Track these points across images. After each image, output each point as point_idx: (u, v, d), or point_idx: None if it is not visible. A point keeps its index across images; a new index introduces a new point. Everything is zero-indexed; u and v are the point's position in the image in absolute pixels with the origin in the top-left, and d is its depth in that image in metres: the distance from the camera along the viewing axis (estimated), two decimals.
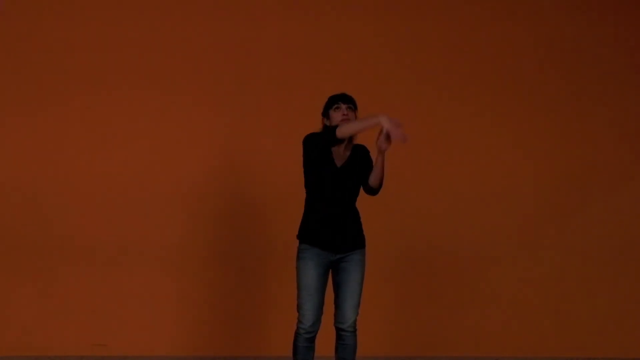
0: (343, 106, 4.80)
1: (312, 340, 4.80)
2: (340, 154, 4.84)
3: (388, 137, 4.59)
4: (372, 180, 4.81)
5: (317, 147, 4.73)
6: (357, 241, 4.85)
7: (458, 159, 6.82)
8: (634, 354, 6.75)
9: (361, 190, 4.93)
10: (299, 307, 4.78)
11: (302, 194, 4.95)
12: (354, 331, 4.83)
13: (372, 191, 4.89)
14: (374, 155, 4.82)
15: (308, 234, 4.80)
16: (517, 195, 6.83)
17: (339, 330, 4.83)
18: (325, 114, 4.87)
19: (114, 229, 6.54)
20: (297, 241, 4.89)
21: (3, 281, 6.46)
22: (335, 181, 4.78)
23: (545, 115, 6.91)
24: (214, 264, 6.64)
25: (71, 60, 6.60)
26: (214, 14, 6.73)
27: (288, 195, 6.38)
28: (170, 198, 6.60)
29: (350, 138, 4.83)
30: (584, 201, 6.87)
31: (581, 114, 6.94)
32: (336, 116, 4.79)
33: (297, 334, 4.79)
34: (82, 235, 6.52)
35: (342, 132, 4.63)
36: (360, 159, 4.87)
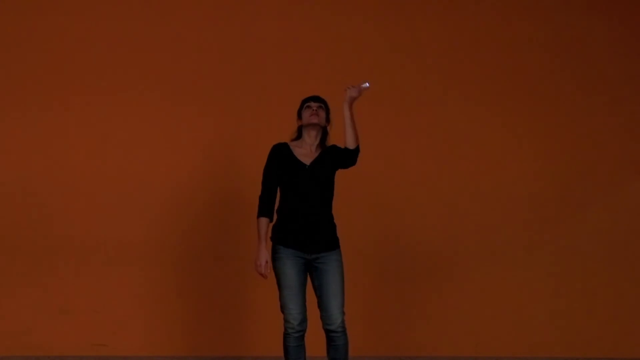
0: (313, 105, 4.94)
1: (301, 338, 4.82)
2: (308, 153, 4.90)
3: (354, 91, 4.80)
4: (346, 138, 4.80)
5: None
6: (330, 242, 4.85)
7: (458, 159, 6.82)
8: (634, 354, 6.74)
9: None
10: (283, 308, 4.81)
11: None
12: (344, 331, 4.81)
13: (351, 154, 4.83)
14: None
15: (281, 236, 4.85)
16: (518, 195, 6.82)
17: (328, 332, 4.82)
18: (299, 114, 5.02)
19: (113, 229, 6.56)
20: None
21: (3, 281, 6.48)
22: (304, 179, 4.81)
23: (545, 115, 6.89)
24: (215, 263, 6.64)
25: (71, 60, 6.62)
26: (212, 14, 6.75)
27: None
28: (170, 198, 6.61)
29: (322, 140, 4.96)
30: (585, 201, 6.86)
31: (582, 114, 6.92)
32: (306, 114, 4.93)
33: (286, 335, 4.81)
34: (82, 235, 6.54)
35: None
36: (330, 154, 4.89)
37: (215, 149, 6.68)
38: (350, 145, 4.80)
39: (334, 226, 4.89)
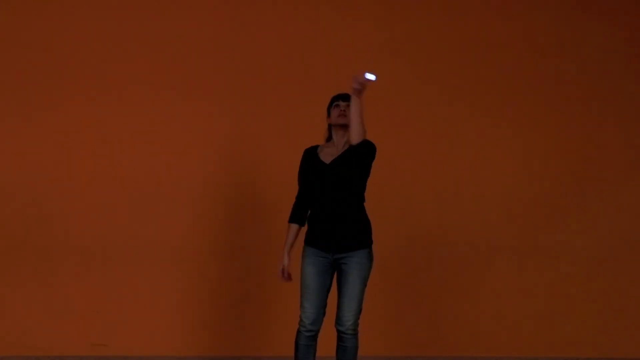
0: (342, 104, 4.93)
1: (313, 339, 4.85)
2: (334, 152, 4.89)
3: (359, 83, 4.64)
4: (351, 132, 4.71)
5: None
6: (355, 242, 4.82)
7: (458, 158, 6.82)
8: (634, 354, 6.75)
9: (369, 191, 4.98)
10: (300, 305, 4.86)
11: None
12: (354, 334, 4.85)
13: (359, 149, 4.74)
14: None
15: (308, 236, 4.92)
16: (518, 195, 6.83)
17: (339, 332, 4.87)
18: (328, 111, 5.02)
19: (114, 229, 6.55)
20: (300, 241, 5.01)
21: (3, 281, 6.47)
22: (325, 177, 4.82)
23: (545, 114, 6.90)
24: (215, 263, 6.64)
25: (72, 60, 6.61)
26: (217, 14, 6.74)
27: (290, 194, 6.37)
28: (171, 198, 6.61)
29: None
30: (585, 201, 6.86)
31: (581, 114, 6.93)
32: (334, 114, 4.93)
33: (298, 332, 4.87)
34: (82, 235, 6.53)
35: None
36: (354, 152, 4.82)
37: (217, 147, 6.68)
38: (353, 140, 4.72)
39: (361, 225, 4.86)
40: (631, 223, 6.87)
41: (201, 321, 6.61)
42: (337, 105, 4.93)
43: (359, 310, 4.86)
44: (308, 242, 4.89)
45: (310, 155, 4.96)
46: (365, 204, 4.99)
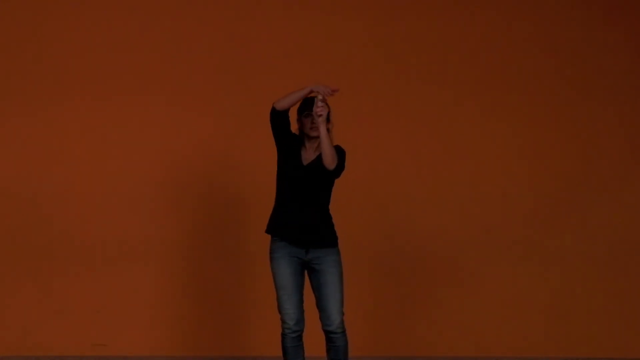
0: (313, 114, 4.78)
1: (299, 339, 4.81)
2: (310, 153, 4.86)
3: (322, 101, 4.63)
4: (323, 159, 4.70)
5: (273, 127, 4.87)
6: (327, 239, 4.81)
7: (456, 158, 6.80)
8: (634, 354, 6.73)
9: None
10: (279, 308, 4.81)
11: None
12: (343, 331, 4.80)
13: (331, 173, 4.76)
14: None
15: (277, 227, 4.83)
16: (517, 194, 6.81)
17: (328, 333, 4.80)
18: (299, 118, 4.92)
19: (114, 229, 6.56)
20: None
21: (3, 281, 6.49)
22: (300, 179, 4.79)
23: (545, 115, 6.88)
24: (214, 264, 6.65)
25: (71, 60, 6.63)
26: (206, 17, 6.74)
27: None
28: (170, 198, 6.62)
29: None
30: (585, 201, 6.85)
31: (582, 114, 6.90)
32: (306, 124, 4.85)
33: (283, 335, 4.82)
34: (82, 235, 6.54)
35: (279, 103, 4.77)
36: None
37: (215, 148, 6.69)
38: (327, 166, 4.71)
39: (331, 224, 4.86)
40: (632, 223, 6.84)
41: (200, 321, 6.61)
42: (309, 115, 4.80)
43: (343, 306, 4.80)
44: (279, 234, 4.79)
45: (298, 142, 4.88)
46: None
